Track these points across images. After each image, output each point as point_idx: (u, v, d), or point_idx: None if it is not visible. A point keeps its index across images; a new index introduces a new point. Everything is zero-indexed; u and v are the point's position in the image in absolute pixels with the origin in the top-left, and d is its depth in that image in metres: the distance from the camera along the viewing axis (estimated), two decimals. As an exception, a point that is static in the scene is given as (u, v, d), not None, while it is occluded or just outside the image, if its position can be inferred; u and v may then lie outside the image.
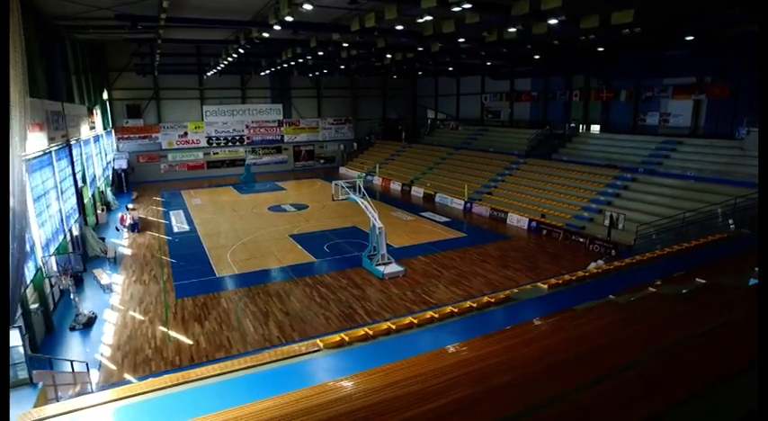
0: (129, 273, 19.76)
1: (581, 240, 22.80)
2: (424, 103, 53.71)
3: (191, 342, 13.87)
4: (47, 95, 18.96)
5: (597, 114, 33.90)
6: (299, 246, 22.98)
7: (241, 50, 28.10)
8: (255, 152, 48.13)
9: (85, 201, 24.19)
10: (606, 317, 6.40)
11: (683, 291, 6.44)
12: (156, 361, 12.85)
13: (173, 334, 14.37)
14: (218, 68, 36.96)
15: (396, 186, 38.79)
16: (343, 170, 48.24)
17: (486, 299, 9.58)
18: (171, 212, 31.03)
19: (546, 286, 10.21)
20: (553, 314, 7.85)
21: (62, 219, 17.09)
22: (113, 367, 12.53)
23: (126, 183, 39.77)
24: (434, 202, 33.41)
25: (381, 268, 18.70)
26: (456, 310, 9.22)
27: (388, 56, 31.93)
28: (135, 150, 43.12)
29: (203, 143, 46.03)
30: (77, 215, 20.45)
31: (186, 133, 45.18)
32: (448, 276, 18.76)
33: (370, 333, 10.73)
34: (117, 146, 41.92)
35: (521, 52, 30.62)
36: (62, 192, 17.66)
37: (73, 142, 22.19)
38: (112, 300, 16.89)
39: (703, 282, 7.26)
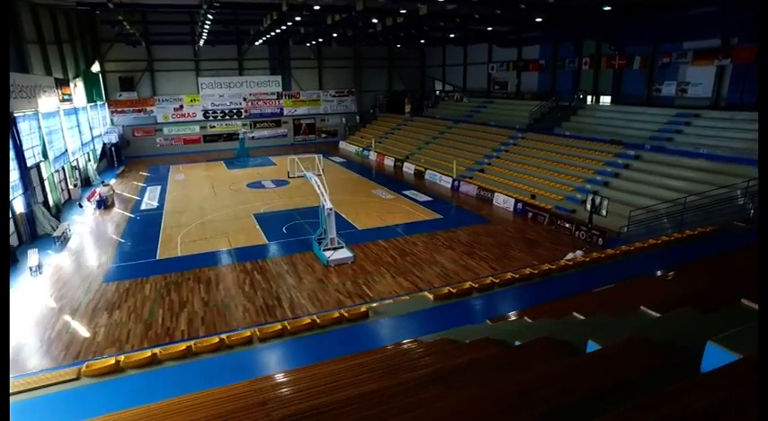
0: (69, 254, 18.79)
1: (567, 226, 20.29)
2: (432, 73, 50.53)
3: (87, 335, 12.63)
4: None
5: (608, 84, 30.41)
6: (258, 227, 21.46)
7: (210, 17, 26.31)
8: (250, 126, 46.51)
9: (45, 176, 23.36)
10: (418, 372, 4.16)
11: (516, 342, 4.23)
12: (39, 356, 11.66)
13: (74, 325, 13.18)
14: (204, 38, 35.29)
15: (390, 162, 36.59)
16: (342, 145, 46.23)
17: (337, 313, 7.64)
18: (148, 188, 30.09)
19: (432, 297, 8.13)
20: (381, 348, 5.85)
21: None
22: (-12, 362, 11.40)
23: (117, 157, 39.14)
24: (424, 180, 31.14)
25: (328, 254, 16.93)
26: (298, 326, 7.36)
27: (375, 20, 29.38)
28: (129, 124, 42.34)
29: (199, 116, 44.81)
30: (20, 191, 19.52)
31: (182, 106, 44.02)
32: (401, 265, 16.81)
33: (258, 334, 9.10)
34: (111, 119, 41.23)
35: (519, 14, 27.40)
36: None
37: (23, 114, 21.16)
38: (35, 284, 15.88)
39: (573, 316, 5.03)
